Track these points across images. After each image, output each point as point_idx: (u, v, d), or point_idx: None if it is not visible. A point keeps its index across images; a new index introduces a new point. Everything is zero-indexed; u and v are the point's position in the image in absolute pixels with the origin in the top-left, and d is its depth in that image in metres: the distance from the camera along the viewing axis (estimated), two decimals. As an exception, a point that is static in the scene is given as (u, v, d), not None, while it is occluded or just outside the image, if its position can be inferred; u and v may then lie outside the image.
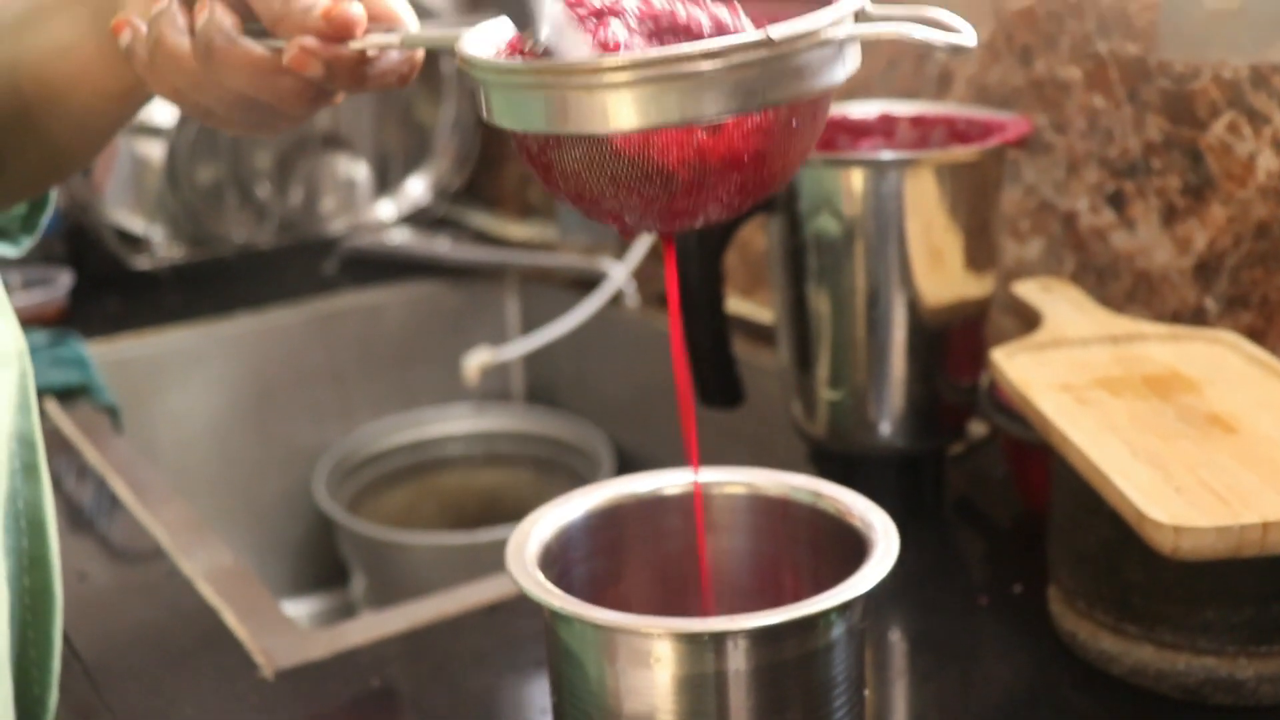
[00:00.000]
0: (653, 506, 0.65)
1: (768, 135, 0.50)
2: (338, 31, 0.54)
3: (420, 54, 0.58)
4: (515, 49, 0.54)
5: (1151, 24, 0.99)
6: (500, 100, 0.50)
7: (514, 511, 1.53)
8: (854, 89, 1.24)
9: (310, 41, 0.54)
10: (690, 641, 0.53)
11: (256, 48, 0.55)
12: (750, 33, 0.47)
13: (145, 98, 0.64)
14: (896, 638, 0.82)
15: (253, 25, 0.56)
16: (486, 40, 0.54)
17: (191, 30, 0.56)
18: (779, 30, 0.47)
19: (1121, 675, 0.74)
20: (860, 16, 0.50)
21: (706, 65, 0.46)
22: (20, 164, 0.69)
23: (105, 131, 0.68)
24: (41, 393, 1.22)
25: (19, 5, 0.66)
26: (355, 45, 0.55)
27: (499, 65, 0.50)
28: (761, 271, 1.39)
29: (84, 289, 1.53)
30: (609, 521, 0.64)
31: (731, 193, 0.51)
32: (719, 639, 0.53)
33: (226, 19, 0.55)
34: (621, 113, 0.47)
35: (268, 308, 1.54)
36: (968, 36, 0.48)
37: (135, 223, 1.59)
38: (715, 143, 0.49)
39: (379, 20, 0.56)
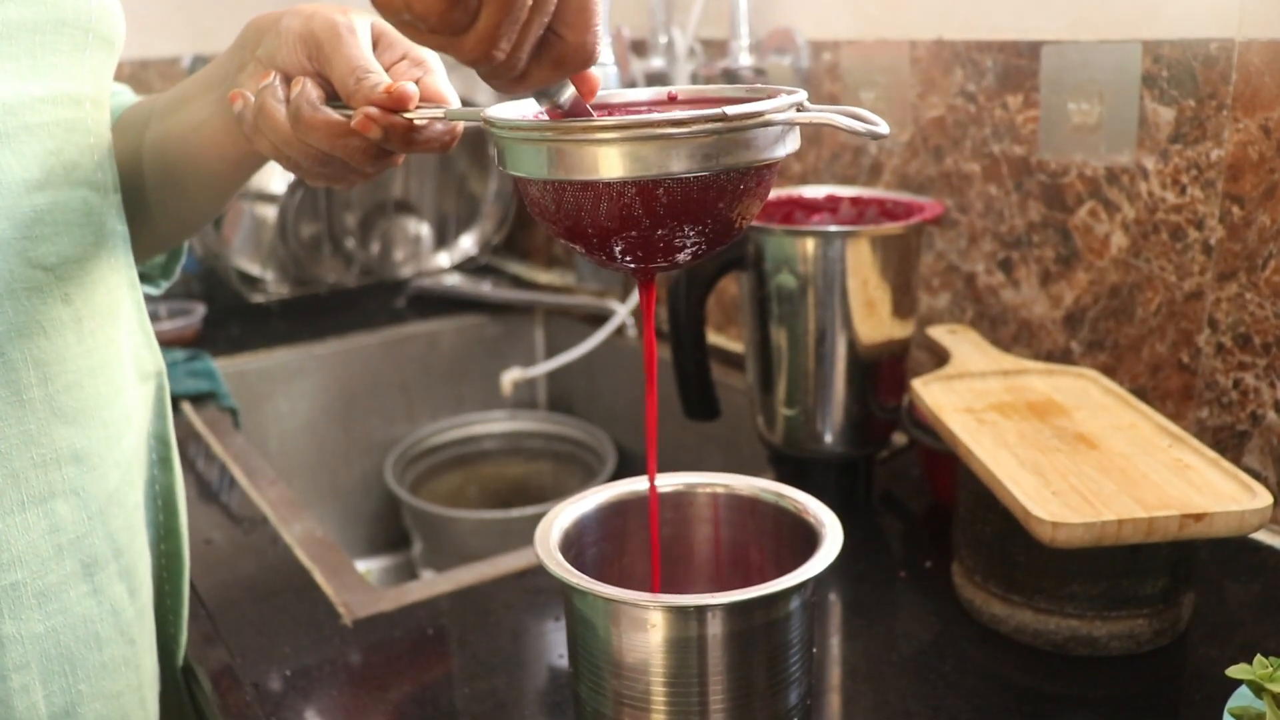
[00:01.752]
0: (649, 502, 0.64)
1: (721, 194, 0.48)
2: (396, 104, 0.55)
3: (460, 127, 0.58)
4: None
5: (1033, 132, 0.99)
6: (512, 153, 0.49)
7: (538, 495, 1.55)
8: (806, 175, 1.24)
9: (373, 110, 0.54)
10: (678, 612, 0.52)
11: (333, 114, 0.56)
12: (711, 110, 0.46)
13: (257, 164, 0.65)
14: (835, 601, 0.80)
15: (334, 101, 0.57)
16: (510, 111, 0.53)
17: (287, 100, 0.56)
18: (734, 109, 0.46)
19: (1007, 633, 0.73)
20: (801, 108, 0.49)
21: (674, 130, 0.46)
22: (165, 218, 0.69)
23: (228, 191, 0.68)
24: (179, 398, 1.21)
25: (168, 95, 0.67)
26: (408, 115, 0.55)
27: (511, 122, 0.49)
28: (734, 313, 1.38)
29: (213, 318, 1.53)
30: (615, 513, 0.63)
31: (692, 238, 0.50)
32: (701, 610, 0.52)
33: (313, 92, 0.56)
34: (608, 163, 0.46)
35: (351, 334, 1.53)
36: (882, 128, 0.48)
37: (253, 267, 1.60)
38: (680, 195, 0.48)
39: (429, 99, 0.57)
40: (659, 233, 0.49)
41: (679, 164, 0.46)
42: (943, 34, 1.05)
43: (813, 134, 1.22)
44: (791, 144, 0.50)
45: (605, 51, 1.08)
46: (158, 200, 0.67)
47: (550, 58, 0.45)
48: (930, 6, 1.06)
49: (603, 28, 0.45)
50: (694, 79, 1.31)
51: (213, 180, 0.66)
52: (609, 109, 0.56)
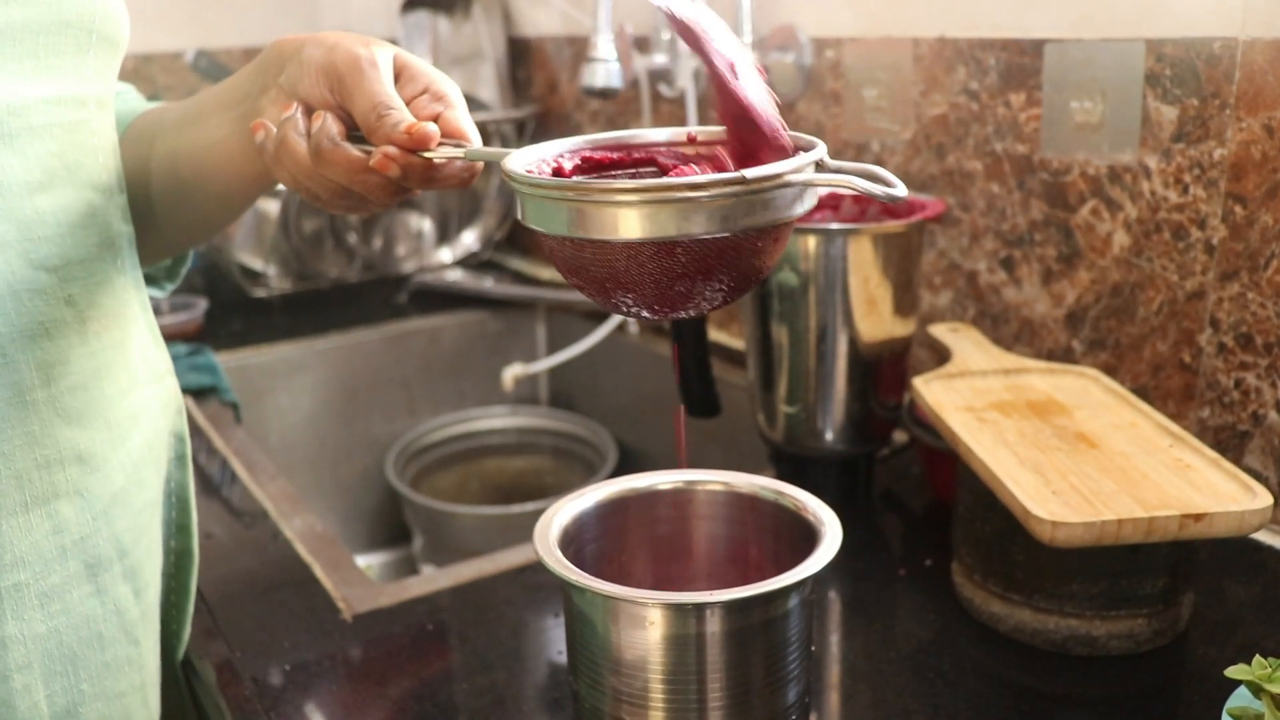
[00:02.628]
0: (648, 499, 0.64)
1: (739, 252, 0.49)
2: (416, 144, 0.54)
3: (480, 165, 0.57)
4: (558, 169, 0.54)
5: (1035, 131, 0.99)
6: (532, 208, 0.50)
7: (539, 490, 1.55)
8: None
9: (392, 150, 0.54)
10: (677, 610, 0.52)
11: (353, 150, 0.55)
12: (730, 173, 0.46)
13: (272, 182, 0.64)
14: (834, 599, 0.80)
15: (355, 133, 0.56)
16: (531, 156, 0.53)
17: (308, 134, 0.56)
18: (753, 172, 0.46)
19: (1006, 632, 0.73)
20: (820, 165, 0.49)
21: (694, 195, 0.46)
22: (173, 228, 0.69)
23: (241, 206, 0.68)
24: (181, 392, 1.21)
25: (181, 108, 0.67)
26: (429, 155, 0.55)
27: (533, 180, 0.49)
28: (735, 310, 1.38)
29: (215, 312, 1.53)
30: (614, 510, 0.63)
31: (706, 295, 0.50)
32: (699, 608, 0.52)
33: (334, 127, 0.55)
34: (627, 225, 0.47)
35: (353, 329, 1.53)
36: (900, 190, 0.48)
37: (255, 262, 1.60)
38: (698, 254, 0.48)
39: (450, 135, 0.56)
40: (677, 288, 0.49)
41: (697, 226, 0.46)
42: (946, 32, 1.05)
43: (815, 130, 1.22)
44: (809, 202, 0.50)
45: (608, 48, 1.08)
46: (165, 211, 0.67)
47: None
48: (933, 4, 1.06)
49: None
50: (696, 76, 1.31)
51: (226, 196, 0.66)
52: (628, 149, 0.56)
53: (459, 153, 0.55)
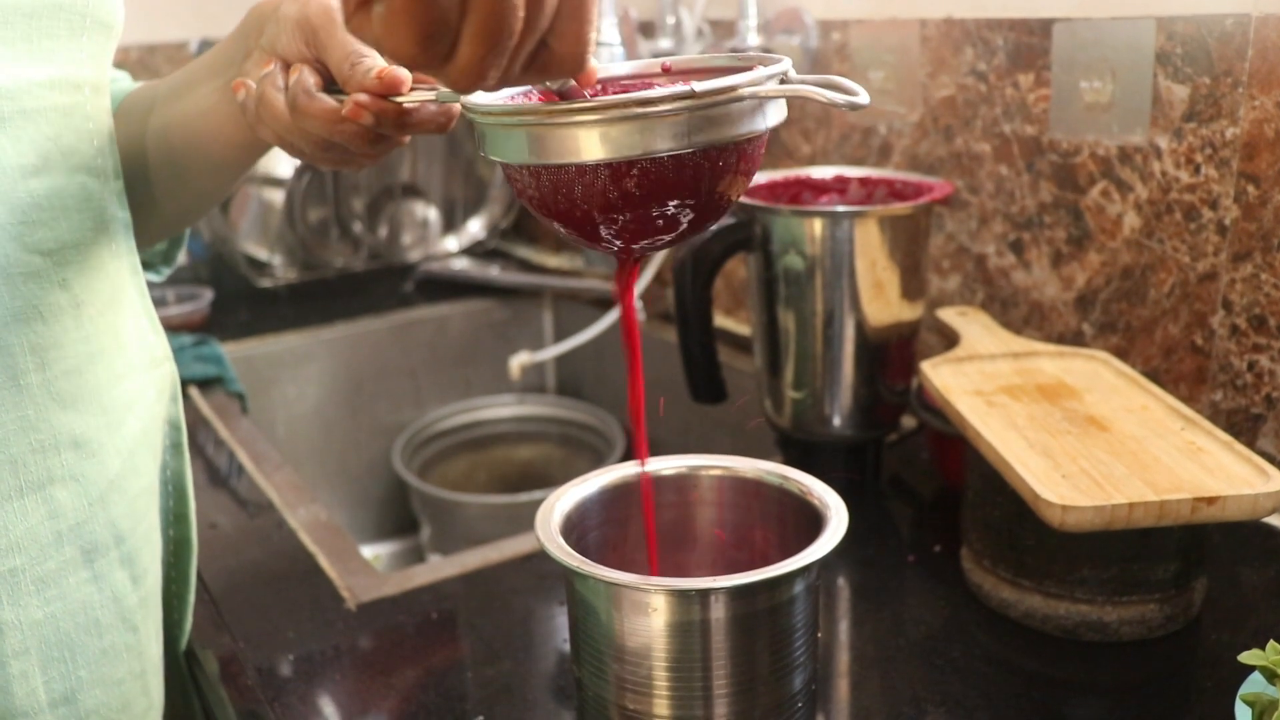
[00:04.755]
0: (651, 485, 0.63)
1: (700, 171, 0.47)
2: (388, 88, 0.54)
3: (457, 108, 0.57)
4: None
5: (1044, 111, 0.98)
6: (492, 138, 0.49)
7: (547, 479, 1.54)
8: (815, 156, 1.23)
9: (362, 97, 0.54)
10: (680, 596, 0.52)
11: (329, 101, 0.55)
12: (679, 86, 0.45)
13: (264, 148, 0.64)
14: (842, 586, 0.80)
15: (333, 86, 0.57)
16: (498, 96, 0.52)
17: (285, 88, 0.56)
18: (702, 85, 0.45)
19: (1016, 618, 0.72)
20: (785, 79, 0.48)
21: (644, 110, 0.45)
22: (171, 202, 0.69)
23: (234, 175, 0.68)
24: (186, 383, 1.21)
25: (170, 82, 0.67)
26: (401, 100, 0.55)
27: (491, 108, 0.48)
28: (742, 295, 1.38)
29: (221, 302, 1.52)
30: (617, 496, 0.62)
31: (673, 220, 0.49)
32: (703, 595, 0.51)
33: (310, 79, 0.56)
34: (585, 145, 0.46)
35: (359, 318, 1.53)
36: (862, 97, 0.46)
37: (261, 251, 1.60)
38: (657, 174, 0.47)
39: (423, 81, 0.56)
40: (641, 212, 0.48)
41: (654, 143, 0.45)
42: (953, 12, 1.04)
43: (822, 114, 1.21)
44: (774, 117, 0.49)
45: (612, 32, 1.07)
46: (163, 186, 0.67)
47: (537, 66, 0.43)
48: (940, -16, 1.05)
49: (594, 35, 0.43)
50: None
51: (220, 165, 0.65)
52: (603, 83, 0.55)
53: (430, 96, 0.55)
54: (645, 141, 0.45)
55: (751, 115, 0.47)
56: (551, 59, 0.42)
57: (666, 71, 0.55)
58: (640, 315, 1.47)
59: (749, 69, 0.48)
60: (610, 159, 0.46)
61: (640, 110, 0.44)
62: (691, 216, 0.49)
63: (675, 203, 0.48)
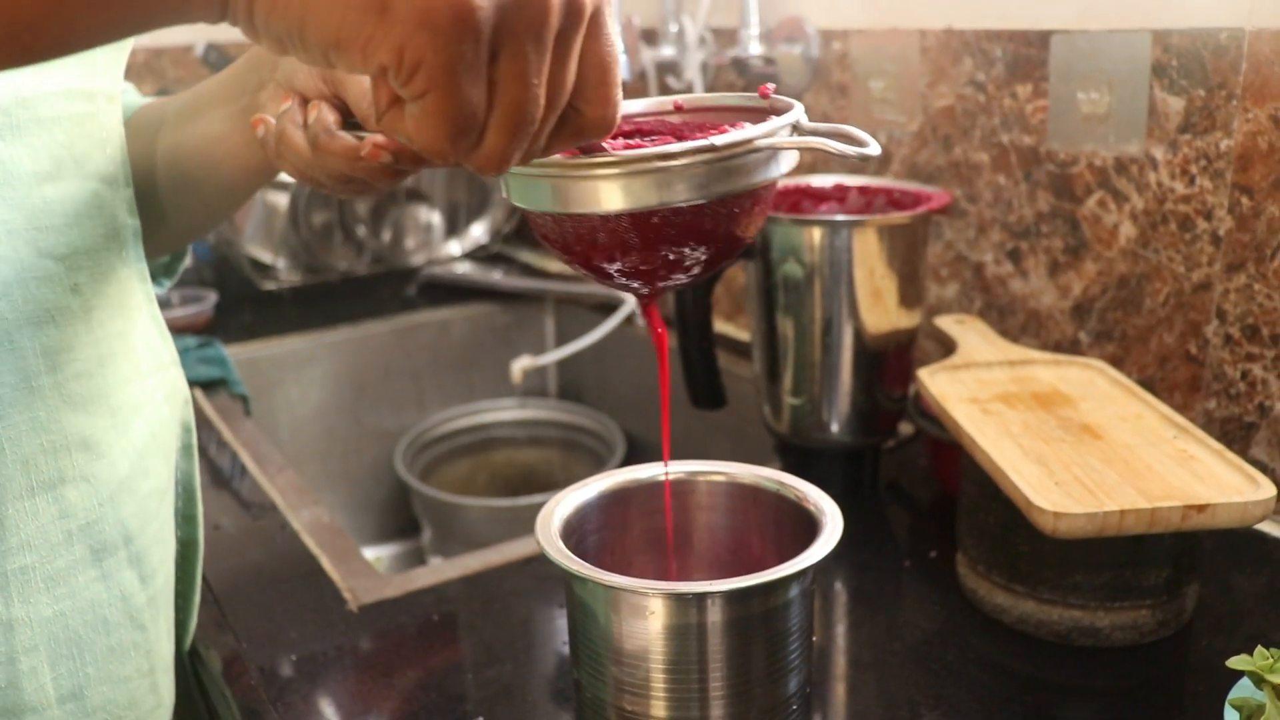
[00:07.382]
0: (650, 490, 0.64)
1: (718, 218, 0.49)
2: None
3: None
4: None
5: (1042, 122, 0.98)
6: (516, 186, 0.50)
7: (548, 482, 1.55)
8: (815, 165, 1.23)
9: (380, 139, 0.54)
10: (678, 599, 0.52)
11: (349, 139, 0.55)
12: (699, 140, 0.47)
13: (273, 174, 0.65)
14: (839, 591, 0.80)
15: (351, 120, 0.57)
16: None
17: (305, 125, 0.56)
18: (722, 139, 0.46)
19: (1010, 623, 0.73)
20: (797, 126, 0.50)
21: (666, 164, 0.46)
22: (179, 218, 0.70)
23: (244, 195, 0.69)
24: (190, 384, 1.22)
25: (180, 102, 0.67)
26: None
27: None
28: (742, 302, 1.38)
29: (226, 305, 1.53)
30: (616, 501, 0.63)
31: (691, 262, 0.51)
32: (700, 598, 0.52)
33: (329, 116, 0.56)
34: (606, 197, 0.47)
35: (362, 321, 1.54)
36: (873, 149, 0.48)
37: (265, 254, 1.60)
38: (677, 223, 0.48)
39: None
40: (660, 256, 0.50)
41: (673, 194, 0.47)
42: (952, 23, 1.05)
43: (823, 120, 1.21)
44: (786, 164, 0.50)
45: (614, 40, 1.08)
46: (172, 203, 0.68)
47: (568, 131, 0.44)
48: (940, -5, 1.06)
49: (620, 95, 0.44)
50: (704, 68, 1.31)
51: (231, 186, 0.67)
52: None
53: None
54: (665, 193, 0.47)
55: (766, 164, 0.49)
56: (583, 123, 0.44)
57: (679, 110, 0.56)
58: (640, 321, 1.48)
59: (760, 109, 0.49)
60: (631, 209, 0.47)
61: (661, 164, 0.46)
62: (708, 258, 0.51)
63: (692, 246, 0.50)
